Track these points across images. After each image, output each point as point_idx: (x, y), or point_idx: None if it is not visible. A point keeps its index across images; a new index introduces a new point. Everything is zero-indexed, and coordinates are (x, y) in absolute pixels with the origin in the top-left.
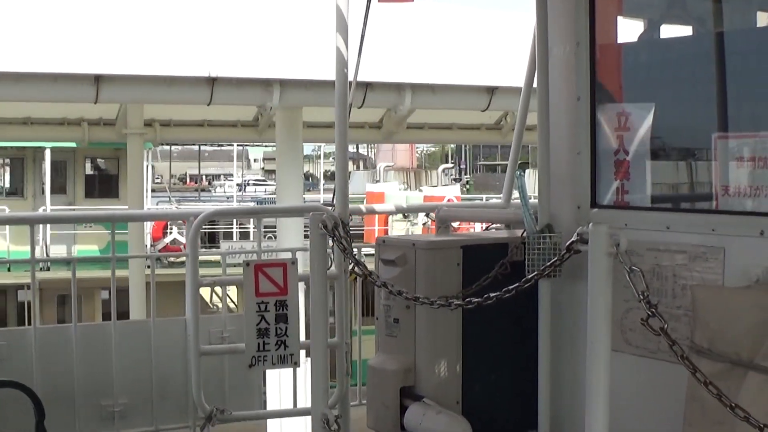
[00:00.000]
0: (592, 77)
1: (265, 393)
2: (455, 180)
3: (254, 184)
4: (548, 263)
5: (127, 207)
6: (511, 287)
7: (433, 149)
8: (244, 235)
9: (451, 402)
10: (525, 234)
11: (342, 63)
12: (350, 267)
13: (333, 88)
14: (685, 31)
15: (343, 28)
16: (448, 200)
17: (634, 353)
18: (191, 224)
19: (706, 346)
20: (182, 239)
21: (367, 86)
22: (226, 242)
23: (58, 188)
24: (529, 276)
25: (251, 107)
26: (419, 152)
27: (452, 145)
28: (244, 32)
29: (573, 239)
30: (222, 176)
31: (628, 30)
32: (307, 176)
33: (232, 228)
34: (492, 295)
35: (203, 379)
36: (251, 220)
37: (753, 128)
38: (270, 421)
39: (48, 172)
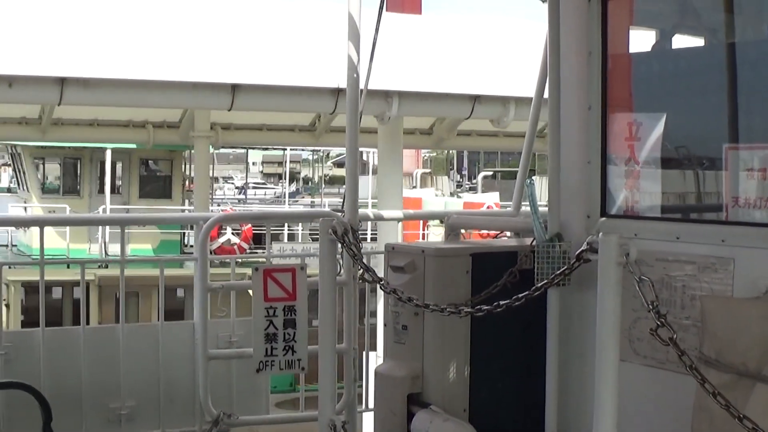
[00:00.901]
0: (604, 86)
1: None
2: (458, 185)
3: (254, 187)
4: (557, 272)
5: (179, 208)
6: (520, 295)
7: (433, 155)
8: (291, 237)
9: (458, 409)
10: (534, 242)
11: (353, 71)
12: (359, 273)
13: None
14: (697, 41)
15: (354, 36)
16: (488, 207)
17: (642, 363)
18: (200, 228)
19: (714, 357)
20: (235, 239)
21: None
22: (277, 244)
23: (114, 188)
24: (539, 284)
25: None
26: (425, 157)
27: (454, 151)
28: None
29: (583, 248)
30: (221, 179)
31: (640, 41)
32: (306, 180)
33: (282, 230)
34: (502, 303)
35: (211, 383)
36: (299, 224)
37: (764, 139)
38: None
39: (108, 172)
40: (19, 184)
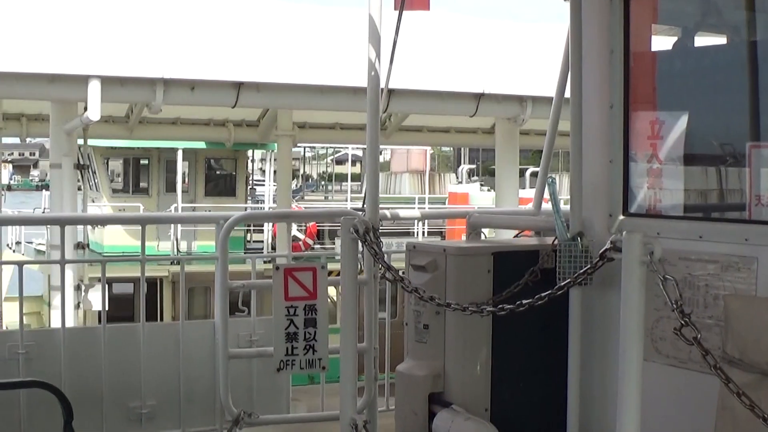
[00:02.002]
0: (626, 85)
1: None
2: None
3: (255, 185)
4: (580, 271)
5: (242, 205)
6: (542, 294)
7: (443, 152)
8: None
9: (480, 409)
10: (556, 241)
11: (374, 70)
12: (381, 272)
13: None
14: (719, 39)
15: (375, 37)
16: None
17: (665, 363)
18: (221, 228)
19: (737, 357)
20: (301, 235)
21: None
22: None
23: (183, 187)
24: (561, 284)
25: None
26: (438, 153)
27: (464, 149)
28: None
29: (606, 247)
30: None
31: (661, 40)
32: (307, 177)
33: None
34: (524, 302)
35: (231, 382)
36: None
37: None
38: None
39: (180, 171)
40: (84, 184)
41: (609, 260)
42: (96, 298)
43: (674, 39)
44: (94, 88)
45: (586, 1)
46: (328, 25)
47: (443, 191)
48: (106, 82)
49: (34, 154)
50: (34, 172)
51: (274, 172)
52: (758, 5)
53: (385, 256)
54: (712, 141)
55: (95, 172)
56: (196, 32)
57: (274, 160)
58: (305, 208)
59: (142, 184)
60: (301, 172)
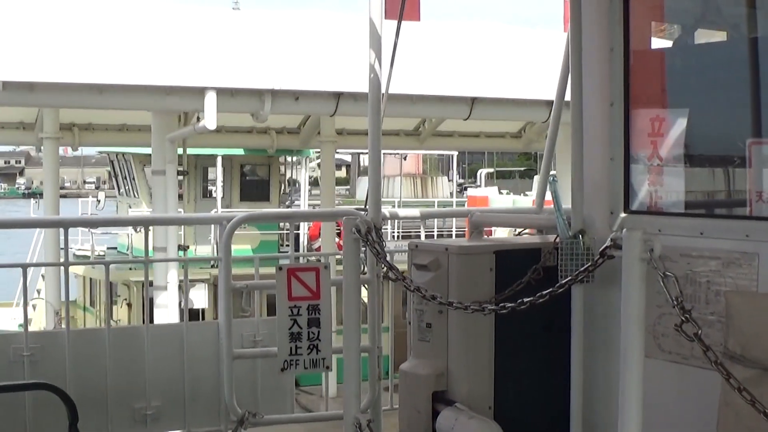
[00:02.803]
0: (626, 83)
1: None
2: (460, 185)
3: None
4: (582, 268)
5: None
6: (545, 292)
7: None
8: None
9: (484, 407)
10: (558, 239)
11: (376, 75)
12: (383, 271)
13: None
14: (719, 36)
15: (376, 42)
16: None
17: (667, 359)
18: (224, 228)
19: (739, 352)
20: (336, 238)
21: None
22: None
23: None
24: (563, 281)
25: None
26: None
27: (455, 153)
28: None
29: (607, 244)
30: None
31: (661, 36)
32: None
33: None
34: (526, 300)
35: (235, 383)
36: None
37: None
38: None
39: (220, 177)
40: (118, 190)
41: (610, 258)
42: (198, 297)
43: (675, 36)
44: (211, 99)
45: None
46: (416, 40)
47: (437, 194)
48: (221, 93)
49: (20, 162)
50: (20, 180)
51: (309, 177)
52: (759, 2)
53: (388, 255)
54: (712, 138)
55: (134, 179)
56: (300, 46)
57: (312, 164)
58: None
59: (179, 190)
60: (287, 177)
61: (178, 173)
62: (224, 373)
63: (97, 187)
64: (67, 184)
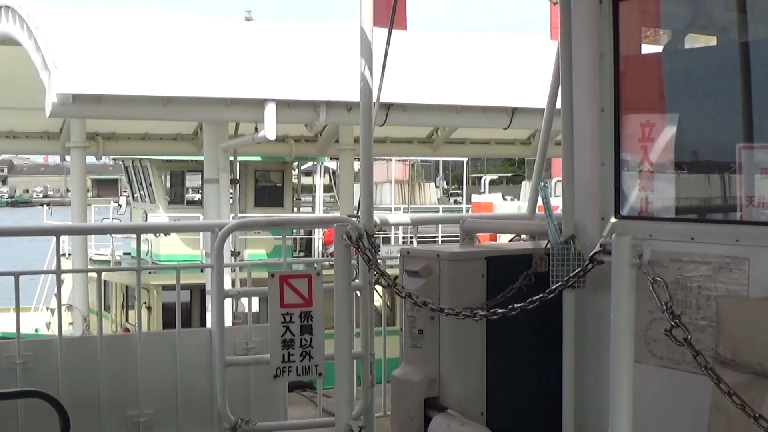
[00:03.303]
0: (616, 88)
1: None
2: (445, 191)
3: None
4: (572, 274)
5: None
6: (535, 298)
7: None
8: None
9: (476, 413)
10: (549, 245)
11: (367, 84)
12: (375, 278)
13: None
14: (710, 41)
15: (367, 51)
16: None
17: (658, 364)
18: (216, 236)
19: (730, 357)
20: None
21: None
22: (384, 246)
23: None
24: (554, 287)
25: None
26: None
27: (440, 159)
28: None
29: (596, 250)
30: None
31: (651, 42)
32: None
33: (388, 234)
34: (517, 305)
35: (228, 390)
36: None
37: None
38: None
39: (238, 183)
40: (132, 195)
41: (599, 263)
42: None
43: (665, 42)
44: (270, 111)
45: (576, 4)
46: (465, 51)
47: (424, 201)
48: (280, 105)
49: (2, 171)
50: (3, 189)
51: (324, 183)
52: (749, 7)
53: (379, 262)
54: (703, 143)
55: (150, 185)
56: (353, 59)
57: (330, 170)
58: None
59: (196, 196)
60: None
61: (231, 181)
62: (217, 380)
63: None
64: (50, 192)
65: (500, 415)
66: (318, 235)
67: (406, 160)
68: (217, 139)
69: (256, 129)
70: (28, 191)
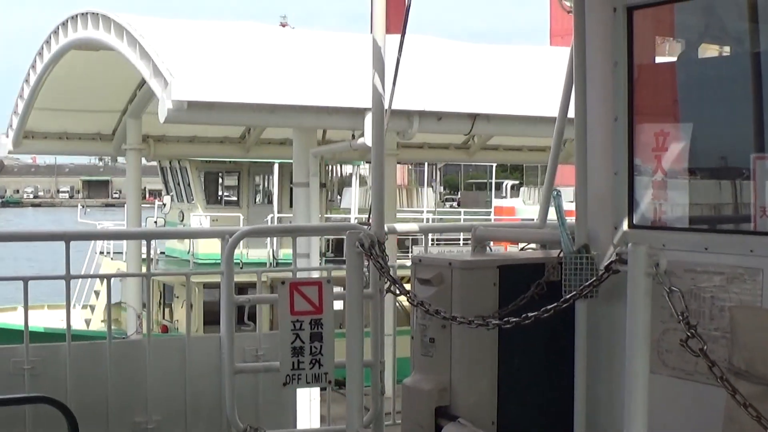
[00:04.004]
0: (630, 97)
1: None
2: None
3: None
4: (586, 283)
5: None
6: (549, 307)
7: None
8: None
9: (487, 422)
10: (562, 254)
11: (379, 91)
12: (386, 286)
13: None
14: (723, 51)
15: (378, 60)
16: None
17: (671, 375)
18: (227, 242)
19: (744, 368)
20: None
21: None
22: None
23: (268, 199)
24: (567, 296)
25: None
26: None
27: (440, 164)
28: None
29: (612, 259)
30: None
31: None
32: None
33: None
34: (530, 314)
35: (237, 397)
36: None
37: None
38: None
39: (276, 184)
40: (167, 194)
41: (614, 272)
42: None
43: (679, 51)
44: (369, 120)
45: (590, 13)
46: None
47: (421, 205)
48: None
49: None
50: None
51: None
52: (761, 17)
53: (391, 269)
54: (717, 152)
55: (189, 185)
56: (441, 71)
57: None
58: None
59: (233, 197)
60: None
61: (321, 186)
62: (226, 387)
63: (71, 196)
64: (40, 193)
65: (511, 424)
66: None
67: (403, 165)
68: (307, 145)
69: (353, 136)
70: (18, 191)
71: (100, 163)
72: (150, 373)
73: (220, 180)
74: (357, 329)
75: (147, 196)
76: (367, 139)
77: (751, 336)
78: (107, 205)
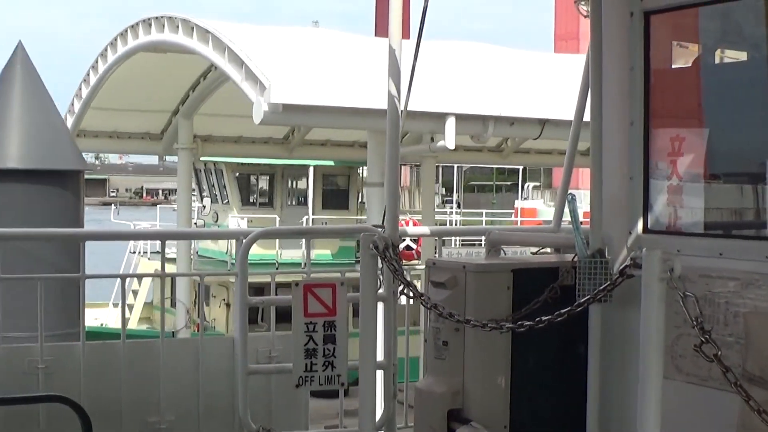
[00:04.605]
0: (646, 102)
1: None
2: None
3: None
4: (600, 288)
5: (354, 217)
6: (563, 311)
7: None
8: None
9: (499, 426)
10: (576, 258)
11: (394, 94)
12: (400, 288)
13: None
14: (740, 56)
15: (394, 65)
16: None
17: (684, 380)
18: (241, 244)
19: (758, 374)
20: (413, 245)
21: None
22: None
23: (301, 201)
24: (582, 300)
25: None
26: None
27: (440, 166)
28: None
29: (626, 264)
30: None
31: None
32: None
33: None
34: (544, 318)
35: (250, 398)
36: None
37: None
38: None
39: (311, 186)
40: (201, 197)
41: (629, 277)
42: None
43: (695, 56)
44: (450, 124)
45: (607, 17)
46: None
47: (417, 206)
48: (458, 118)
49: None
50: None
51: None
52: None
53: (405, 272)
54: (732, 157)
55: (224, 187)
56: (515, 79)
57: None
58: None
59: (269, 198)
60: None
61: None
62: (239, 388)
63: None
64: None
65: (524, 428)
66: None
67: (408, 165)
68: (382, 146)
69: (432, 139)
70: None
71: (96, 162)
72: (163, 374)
73: (255, 182)
74: (370, 331)
75: (144, 195)
76: (448, 142)
77: (766, 342)
78: (104, 204)
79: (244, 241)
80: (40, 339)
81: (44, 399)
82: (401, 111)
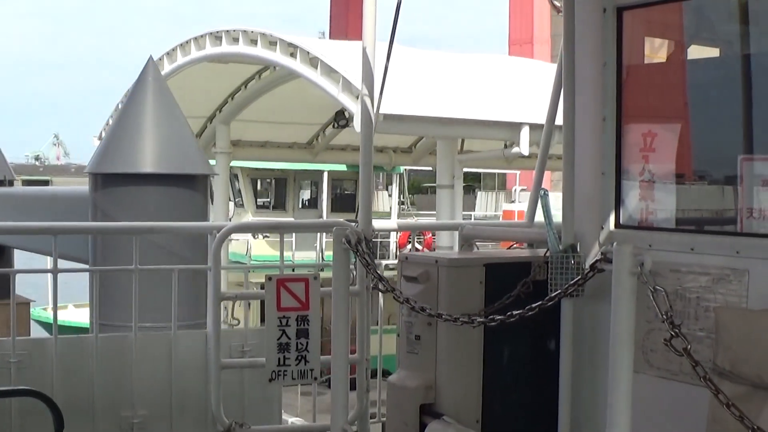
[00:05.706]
0: (619, 98)
1: None
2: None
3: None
4: (572, 282)
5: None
6: (534, 305)
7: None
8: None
9: (471, 420)
10: (548, 253)
11: (368, 95)
12: (372, 283)
13: None
14: (712, 52)
15: (368, 67)
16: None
17: (655, 375)
18: (214, 238)
19: (728, 369)
20: (419, 246)
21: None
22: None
23: (312, 204)
24: (553, 294)
25: None
26: None
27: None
28: None
29: (597, 258)
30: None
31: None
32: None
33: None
34: (515, 312)
35: (223, 393)
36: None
37: None
38: None
39: (326, 190)
40: (212, 200)
41: (600, 271)
42: None
43: (668, 52)
44: (525, 132)
45: (580, 14)
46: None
47: (378, 208)
48: (532, 127)
49: None
50: None
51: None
52: (752, 19)
53: (377, 266)
54: (704, 153)
55: (240, 191)
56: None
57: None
58: None
59: (281, 201)
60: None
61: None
62: (212, 382)
63: None
64: None
65: (496, 422)
66: (393, 238)
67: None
68: (451, 151)
69: (506, 145)
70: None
71: (38, 163)
72: (136, 368)
73: (268, 186)
74: (343, 325)
75: None
76: (523, 149)
77: (736, 337)
78: None
79: (216, 236)
80: (12, 332)
81: (16, 393)
82: (374, 114)
